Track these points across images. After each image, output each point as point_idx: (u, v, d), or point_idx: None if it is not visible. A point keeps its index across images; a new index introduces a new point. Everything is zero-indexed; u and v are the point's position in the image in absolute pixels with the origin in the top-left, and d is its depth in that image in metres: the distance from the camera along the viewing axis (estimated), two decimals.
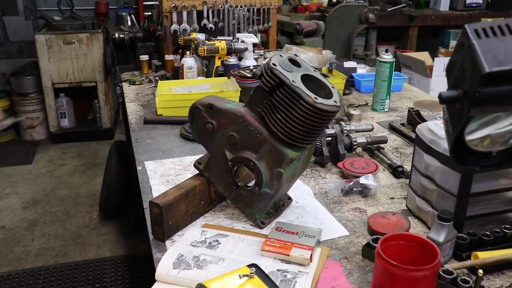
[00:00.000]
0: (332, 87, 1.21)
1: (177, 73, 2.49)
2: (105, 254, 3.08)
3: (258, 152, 1.21)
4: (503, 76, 0.54)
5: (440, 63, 3.35)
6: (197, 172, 1.36)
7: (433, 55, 3.93)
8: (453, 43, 5.32)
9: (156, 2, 3.02)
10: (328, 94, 1.18)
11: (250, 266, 0.98)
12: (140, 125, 2.04)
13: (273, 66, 1.14)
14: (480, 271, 0.91)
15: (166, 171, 1.62)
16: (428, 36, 5.53)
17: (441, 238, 1.13)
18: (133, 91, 2.50)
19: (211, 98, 1.28)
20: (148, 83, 2.60)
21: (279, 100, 1.15)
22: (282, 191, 1.30)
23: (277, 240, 1.18)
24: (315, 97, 1.12)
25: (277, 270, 1.09)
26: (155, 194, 1.47)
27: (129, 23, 4.25)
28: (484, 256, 1.14)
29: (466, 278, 1.05)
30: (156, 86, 2.52)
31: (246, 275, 0.94)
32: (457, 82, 0.61)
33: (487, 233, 1.20)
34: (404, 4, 4.58)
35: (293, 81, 1.12)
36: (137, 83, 2.58)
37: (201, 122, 1.28)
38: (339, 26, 3.28)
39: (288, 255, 1.14)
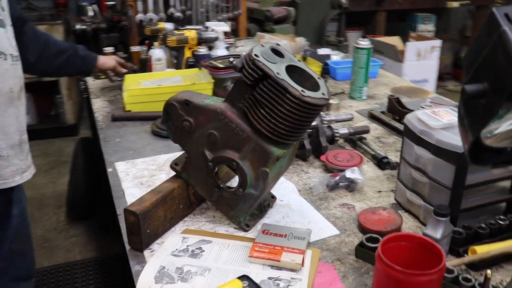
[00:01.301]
0: (318, 77, 1.13)
1: (144, 66, 2.35)
2: (75, 258, 2.94)
3: (241, 151, 1.12)
4: None
5: (412, 48, 3.31)
6: (174, 173, 1.27)
7: (403, 39, 3.91)
8: (420, 27, 5.34)
9: None
10: (314, 86, 1.09)
11: (241, 278, 0.90)
12: (108, 122, 1.92)
13: (255, 57, 1.04)
14: (489, 272, 0.85)
15: (139, 172, 1.51)
16: (396, 20, 5.51)
17: (438, 234, 1.08)
18: (98, 86, 2.36)
19: (187, 94, 1.18)
20: (114, 76, 2.46)
21: (263, 94, 1.05)
22: (267, 191, 1.21)
23: (265, 244, 1.10)
24: (302, 90, 1.03)
25: (268, 278, 1.01)
26: (128, 198, 1.37)
27: (91, 14, 4.05)
28: (482, 250, 1.09)
29: (468, 277, 1.00)
30: (121, 80, 2.39)
31: None
32: (482, 74, 0.54)
33: (483, 225, 1.15)
34: None
35: (277, 73, 1.03)
36: (102, 77, 2.43)
37: (177, 120, 1.18)
38: (311, 12, 3.19)
39: (279, 261, 1.05)
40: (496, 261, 1.10)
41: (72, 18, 4.50)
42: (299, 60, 1.15)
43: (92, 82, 2.41)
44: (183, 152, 1.29)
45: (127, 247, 1.16)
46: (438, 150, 1.16)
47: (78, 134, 4.52)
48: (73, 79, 4.34)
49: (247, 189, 1.14)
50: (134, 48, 2.62)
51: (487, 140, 0.64)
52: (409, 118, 1.28)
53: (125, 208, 1.12)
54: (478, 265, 1.08)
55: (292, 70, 1.09)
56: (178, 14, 2.74)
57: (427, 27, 5.35)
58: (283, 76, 1.03)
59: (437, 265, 0.86)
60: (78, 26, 3.16)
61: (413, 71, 3.56)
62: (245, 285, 0.87)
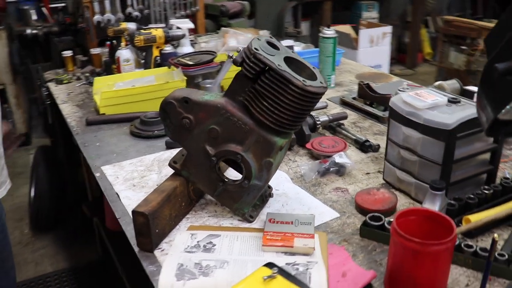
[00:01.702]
0: (313, 67, 1.16)
1: (109, 68, 2.31)
2: (46, 270, 2.85)
3: (244, 143, 1.14)
4: None
5: (365, 35, 3.43)
6: (165, 172, 1.27)
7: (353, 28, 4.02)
8: (365, 15, 5.51)
9: None
10: (311, 76, 1.13)
11: (267, 265, 0.92)
12: (83, 127, 1.88)
13: (256, 51, 1.07)
14: (496, 235, 0.92)
15: (129, 174, 1.50)
16: (341, 9, 5.66)
17: (436, 207, 1.14)
18: (63, 91, 2.30)
19: (185, 91, 1.18)
20: (77, 80, 2.40)
21: (265, 86, 1.08)
22: (269, 181, 1.24)
23: (275, 233, 1.13)
24: (303, 80, 1.06)
25: (286, 264, 1.04)
26: (124, 201, 1.36)
27: (35, 17, 3.90)
28: (475, 219, 1.17)
29: (469, 243, 1.07)
30: (88, 84, 2.34)
31: (270, 276, 0.88)
32: (508, 53, 0.59)
33: (472, 196, 1.24)
34: None
35: (279, 65, 1.06)
36: (65, 82, 2.37)
37: (175, 118, 1.18)
38: (269, 5, 3.23)
39: (292, 247, 1.09)
40: (487, 227, 1.18)
41: (13, 23, 4.31)
42: (293, 51, 1.18)
43: (55, 88, 2.34)
44: (180, 149, 1.30)
45: (136, 249, 1.16)
46: (426, 129, 1.23)
47: (30, 143, 4.35)
48: (21, 86, 4.17)
49: (252, 181, 1.17)
50: (94, 51, 2.57)
51: (501, 115, 0.70)
52: (394, 101, 1.34)
53: (134, 210, 1.11)
54: (473, 233, 1.16)
55: (289, 61, 1.12)
56: (136, 13, 2.70)
57: (371, 14, 5.53)
58: (284, 67, 1.06)
59: (448, 235, 0.92)
60: (28, 31, 3.05)
61: (367, 57, 3.69)
62: (275, 271, 0.89)
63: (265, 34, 2.47)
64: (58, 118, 2.29)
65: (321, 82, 1.11)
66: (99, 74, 2.38)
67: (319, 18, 5.38)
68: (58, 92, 2.28)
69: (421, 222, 1.00)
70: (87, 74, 2.40)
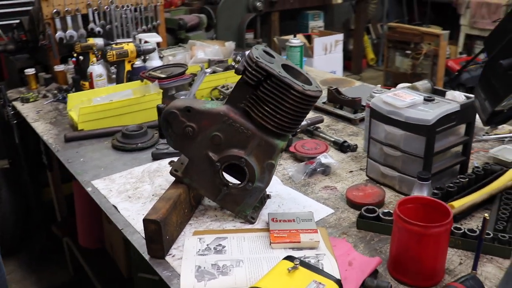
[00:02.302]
0: (306, 73, 1.25)
1: (77, 84, 2.30)
2: None
3: (246, 148, 1.20)
4: None
5: (319, 43, 3.57)
6: (163, 181, 1.29)
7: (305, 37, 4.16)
8: (311, 24, 5.70)
9: (30, 8, 2.74)
10: (306, 81, 1.21)
11: (287, 258, 0.99)
12: (62, 144, 1.86)
13: (257, 59, 1.14)
14: (486, 215, 1.03)
15: (121, 186, 1.52)
16: (288, 19, 5.82)
17: (424, 195, 1.25)
18: (31, 109, 2.26)
19: (186, 101, 1.23)
20: (44, 98, 2.37)
21: (267, 92, 1.15)
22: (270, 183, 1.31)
23: (281, 230, 1.20)
24: (303, 85, 1.14)
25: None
26: (123, 212, 1.38)
27: None
28: (458, 205, 1.28)
29: (458, 226, 1.19)
30: (57, 101, 2.31)
31: (293, 267, 0.94)
32: (508, 51, 0.69)
33: (451, 185, 1.36)
34: None
35: (279, 72, 1.13)
36: (31, 100, 2.33)
37: (178, 127, 1.23)
38: (229, 17, 3.30)
39: (299, 242, 1.16)
40: (468, 212, 1.31)
41: None
42: (286, 59, 1.26)
43: (22, 107, 2.30)
44: (178, 158, 1.34)
45: (147, 256, 1.19)
46: (408, 126, 1.34)
47: None
48: None
49: (255, 183, 1.23)
50: (58, 68, 2.54)
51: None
52: (375, 102, 1.45)
53: (145, 218, 1.14)
54: (457, 217, 1.28)
55: (285, 68, 1.20)
56: (98, 29, 2.70)
57: (317, 23, 5.73)
58: (285, 74, 1.14)
59: (446, 218, 1.02)
60: None
61: (322, 64, 3.84)
62: (297, 262, 0.96)
63: (230, 45, 2.55)
64: (21, 138, 2.25)
65: (316, 87, 1.19)
66: (66, 91, 2.36)
67: (268, 28, 5.51)
68: (27, 110, 2.24)
69: (417, 209, 1.10)
70: (55, 91, 2.37)
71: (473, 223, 1.28)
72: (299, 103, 1.15)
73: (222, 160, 1.22)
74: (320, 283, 0.91)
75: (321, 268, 1.06)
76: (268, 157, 1.21)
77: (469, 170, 1.47)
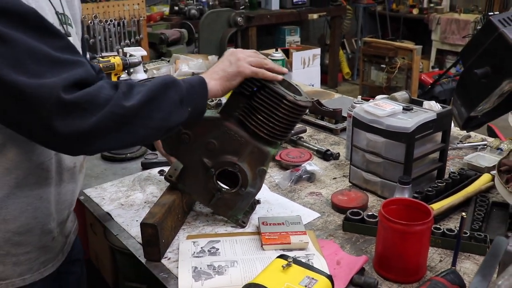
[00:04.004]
0: (296, 85, 1.32)
1: None
2: None
3: (239, 154, 1.26)
4: None
5: (297, 57, 3.68)
6: (155, 189, 1.33)
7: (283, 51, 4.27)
8: (288, 38, 5.83)
9: None
10: (296, 92, 1.28)
11: (280, 257, 1.05)
12: None
13: None
14: (464, 214, 1.11)
15: (113, 195, 1.55)
16: (264, 34, 5.95)
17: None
18: None
19: None
20: None
21: (261, 102, 1.22)
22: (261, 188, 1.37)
23: (271, 233, 1.26)
24: (294, 96, 1.21)
25: None
26: (117, 219, 1.42)
27: None
28: (436, 207, 1.37)
29: (438, 226, 1.27)
30: None
31: (287, 264, 1.00)
32: (482, 62, 0.78)
33: (430, 189, 1.44)
34: (243, 7, 4.87)
35: (273, 83, 1.20)
36: None
37: (174, 134, 1.28)
38: (211, 32, 3.38)
39: (290, 243, 1.22)
40: (446, 214, 1.39)
41: None
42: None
43: None
44: (172, 165, 1.39)
45: (143, 260, 1.23)
46: (389, 134, 1.43)
47: None
48: None
49: (247, 188, 1.29)
50: None
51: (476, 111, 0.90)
52: (357, 111, 1.53)
53: (142, 222, 1.19)
54: (436, 219, 1.36)
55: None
56: None
57: (294, 38, 5.87)
58: (278, 85, 1.21)
59: (427, 217, 1.10)
60: None
61: (300, 78, 3.94)
62: (290, 260, 1.02)
63: (213, 59, 2.62)
64: None
65: (306, 97, 1.27)
66: None
67: (245, 43, 5.61)
68: None
69: (401, 210, 1.18)
70: None
71: (451, 224, 1.37)
72: (291, 112, 1.22)
73: (217, 166, 1.28)
74: (312, 278, 0.97)
75: None
76: (260, 163, 1.27)
77: (446, 176, 1.56)
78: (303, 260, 1.15)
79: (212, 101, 2.14)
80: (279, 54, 2.31)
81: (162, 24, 3.58)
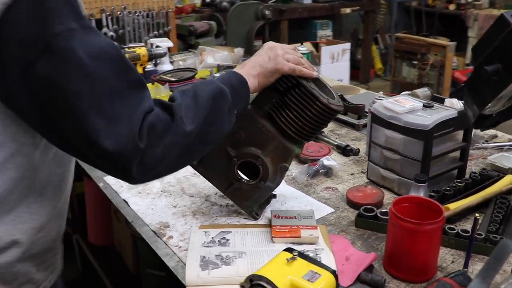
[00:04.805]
0: (330, 87, 1.32)
1: None
2: None
3: (264, 148, 1.26)
4: None
5: (326, 51, 3.65)
6: (171, 178, 1.33)
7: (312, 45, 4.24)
8: (320, 33, 5.78)
9: None
10: (329, 94, 1.27)
11: (287, 250, 1.05)
12: None
13: None
14: (477, 215, 1.09)
15: None
16: (296, 28, 5.92)
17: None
18: None
19: None
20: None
21: (294, 99, 1.21)
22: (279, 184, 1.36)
23: (282, 226, 1.26)
24: (328, 99, 1.21)
25: None
26: (133, 206, 1.45)
27: None
28: (453, 207, 1.34)
29: (452, 226, 1.24)
30: None
31: (292, 258, 1.01)
32: (494, 58, 0.76)
33: (448, 188, 1.41)
34: (275, 0, 4.86)
35: (308, 82, 1.20)
36: None
37: None
38: (238, 24, 3.39)
39: (299, 237, 1.22)
40: (463, 214, 1.36)
41: None
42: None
43: None
44: None
45: (155, 248, 1.25)
46: (407, 131, 1.40)
47: None
48: None
49: (266, 182, 1.29)
50: None
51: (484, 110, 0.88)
52: (376, 107, 1.51)
53: None
54: (452, 219, 1.33)
55: (312, 80, 1.26)
56: (111, 33, 2.79)
57: (325, 32, 5.81)
58: (313, 86, 1.21)
59: (438, 216, 1.08)
60: None
61: (329, 73, 3.91)
62: (295, 254, 1.02)
63: (239, 51, 2.62)
64: None
65: (338, 101, 1.26)
66: None
67: (276, 36, 5.60)
68: None
69: (413, 208, 1.16)
70: None
71: (468, 225, 1.33)
72: (322, 114, 1.21)
73: (239, 157, 1.28)
74: (316, 272, 0.97)
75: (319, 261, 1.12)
76: (283, 160, 1.27)
77: (467, 176, 1.53)
78: (311, 255, 1.15)
79: None
80: (304, 48, 2.30)
81: (192, 16, 3.61)
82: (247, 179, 1.32)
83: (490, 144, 1.84)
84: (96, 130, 0.84)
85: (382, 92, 1.79)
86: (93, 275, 2.62)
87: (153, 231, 1.32)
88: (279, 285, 0.93)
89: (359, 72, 6.23)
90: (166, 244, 1.26)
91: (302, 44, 2.34)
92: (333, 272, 0.99)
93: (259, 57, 1.20)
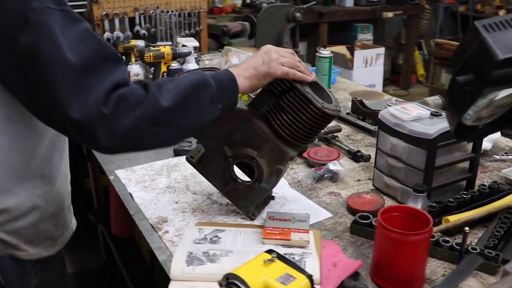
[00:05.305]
0: (329, 91, 1.32)
1: None
2: None
3: (259, 149, 1.28)
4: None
5: (360, 55, 3.61)
6: (178, 175, 1.38)
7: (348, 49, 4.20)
8: (360, 36, 5.71)
9: (84, 10, 2.95)
10: (327, 99, 1.27)
11: (267, 252, 1.06)
12: None
13: None
14: (467, 228, 1.06)
15: (140, 177, 1.63)
16: (336, 31, 5.87)
17: (418, 207, 1.28)
18: None
19: None
20: None
21: (288, 103, 1.22)
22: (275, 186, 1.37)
23: (274, 228, 1.27)
24: (322, 103, 1.21)
25: (284, 254, 1.17)
26: (137, 200, 1.49)
27: None
28: (453, 219, 1.31)
29: (446, 239, 1.21)
30: None
31: (269, 259, 1.02)
32: (467, 68, 0.74)
33: (451, 200, 1.38)
34: (314, 2, 4.83)
35: (303, 86, 1.21)
36: None
37: None
38: (269, 26, 3.40)
39: (289, 240, 1.23)
40: (464, 227, 1.32)
41: None
42: (315, 70, 1.33)
43: None
44: (196, 147, 1.42)
45: (150, 242, 1.29)
46: (411, 139, 1.38)
47: None
48: None
49: (261, 184, 1.30)
50: None
51: (466, 121, 0.85)
52: (383, 114, 1.49)
53: None
54: (452, 231, 1.30)
55: (311, 84, 1.27)
56: (143, 31, 2.87)
57: (366, 36, 5.73)
58: (308, 90, 1.21)
59: (426, 227, 1.06)
60: None
61: (361, 77, 3.86)
62: (274, 255, 1.03)
63: None
64: None
65: (335, 106, 1.26)
66: None
67: (316, 39, 5.58)
68: None
69: (403, 218, 1.14)
70: None
71: (469, 239, 1.29)
72: (316, 118, 1.22)
73: (235, 157, 1.30)
74: (291, 275, 0.98)
75: (303, 265, 1.12)
76: (278, 162, 1.28)
77: (476, 188, 1.48)
78: (297, 258, 1.16)
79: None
80: (326, 52, 2.28)
81: (227, 16, 3.65)
82: (243, 179, 1.34)
83: (510, 157, 1.77)
84: (66, 99, 0.92)
85: (395, 99, 1.76)
86: (114, 264, 2.71)
87: (151, 225, 1.36)
88: (251, 285, 0.94)
89: (400, 77, 6.10)
90: (161, 238, 1.30)
91: (325, 47, 2.32)
92: (309, 277, 0.99)
93: (254, 60, 1.21)
